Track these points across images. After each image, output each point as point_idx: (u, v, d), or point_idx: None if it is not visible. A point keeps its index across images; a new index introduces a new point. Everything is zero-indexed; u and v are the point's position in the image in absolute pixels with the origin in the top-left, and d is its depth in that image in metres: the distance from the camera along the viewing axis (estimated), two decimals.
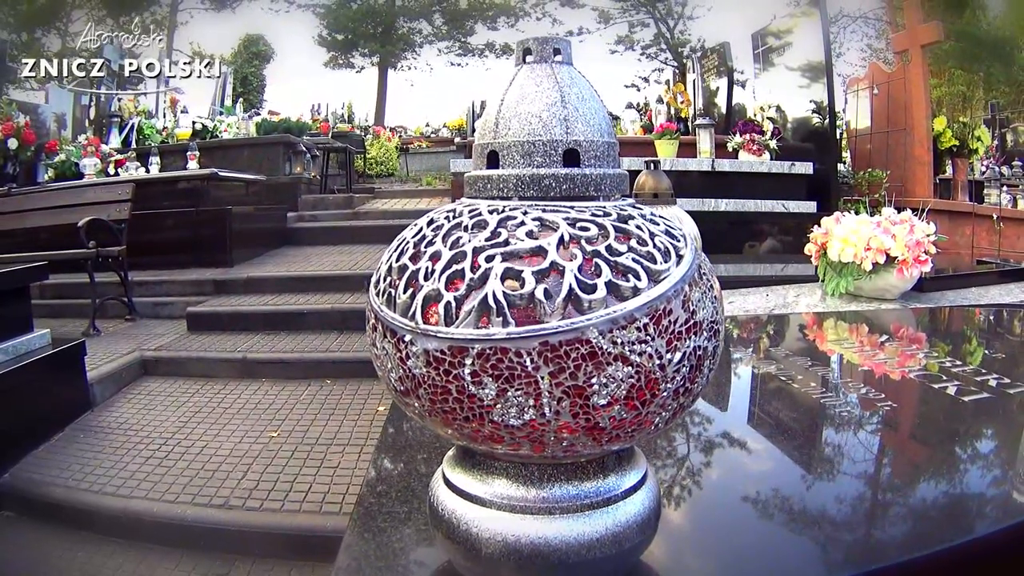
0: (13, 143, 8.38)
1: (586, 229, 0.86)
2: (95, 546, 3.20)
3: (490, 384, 0.81)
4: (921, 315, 3.38)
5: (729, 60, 9.96)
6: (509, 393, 0.81)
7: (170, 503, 3.34)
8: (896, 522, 1.20)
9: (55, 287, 6.18)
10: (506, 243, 0.84)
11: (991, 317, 3.28)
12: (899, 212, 3.88)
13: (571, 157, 0.94)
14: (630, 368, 0.82)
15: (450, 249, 0.86)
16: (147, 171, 8.57)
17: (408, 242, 0.93)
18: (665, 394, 0.86)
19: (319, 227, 9.05)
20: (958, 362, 2.12)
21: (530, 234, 0.84)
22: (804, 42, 8.41)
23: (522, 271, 0.81)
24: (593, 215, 0.89)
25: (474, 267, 0.83)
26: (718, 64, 10.24)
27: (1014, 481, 1.32)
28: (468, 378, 0.81)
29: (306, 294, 6.46)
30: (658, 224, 0.93)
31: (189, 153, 8.66)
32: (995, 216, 7.49)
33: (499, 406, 0.82)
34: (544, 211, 0.88)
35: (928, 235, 3.76)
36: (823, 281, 4.00)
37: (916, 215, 3.86)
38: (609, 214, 0.90)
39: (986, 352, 2.47)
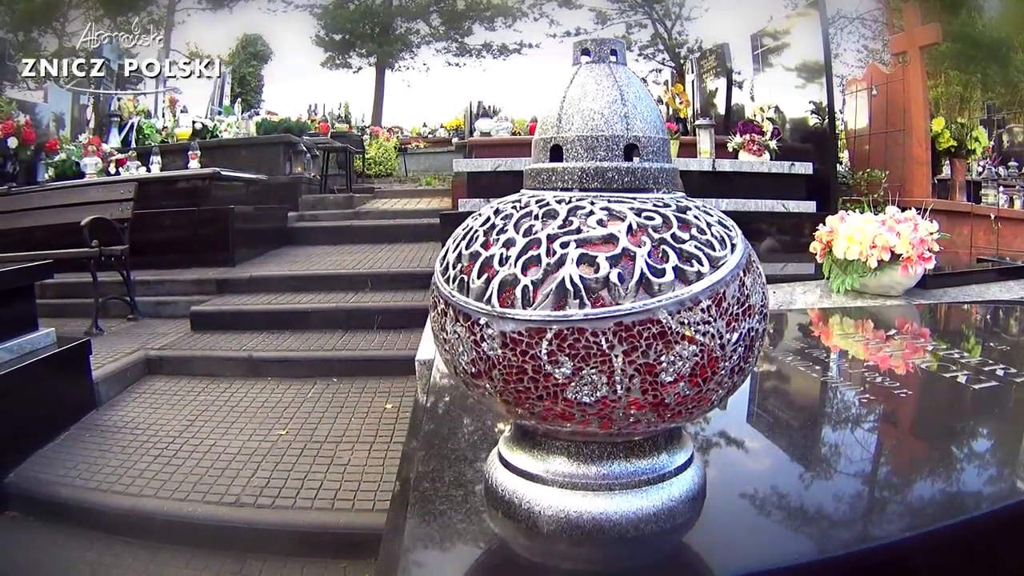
0: (13, 142, 8.36)
1: (651, 218, 0.90)
2: (104, 545, 3.19)
3: (566, 363, 0.85)
4: (925, 311, 3.42)
5: (728, 61, 10.00)
6: (584, 372, 0.85)
7: (180, 502, 3.33)
8: (898, 504, 1.24)
9: (57, 286, 6.15)
10: (578, 231, 0.88)
11: (993, 313, 3.32)
12: (903, 211, 3.92)
13: (629, 152, 0.99)
14: (695, 347, 0.86)
15: (524, 236, 0.90)
16: (148, 170, 8.56)
17: (477, 231, 0.97)
18: (723, 372, 0.91)
19: (320, 227, 9.06)
20: (964, 354, 2.16)
21: (600, 222, 0.89)
22: (802, 43, 8.43)
23: (596, 256, 0.85)
24: (655, 206, 0.93)
25: (550, 252, 0.87)
26: (716, 65, 10.27)
27: (1017, 468, 1.36)
28: (545, 358, 0.86)
29: (309, 293, 6.48)
30: (712, 215, 0.98)
31: (191, 152, 8.65)
32: (992, 216, 7.55)
33: (573, 384, 0.86)
34: (610, 201, 0.93)
35: (932, 233, 3.81)
36: (828, 278, 4.04)
37: (919, 214, 3.91)
38: (669, 205, 0.95)
39: (991, 344, 2.51)
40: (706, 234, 0.92)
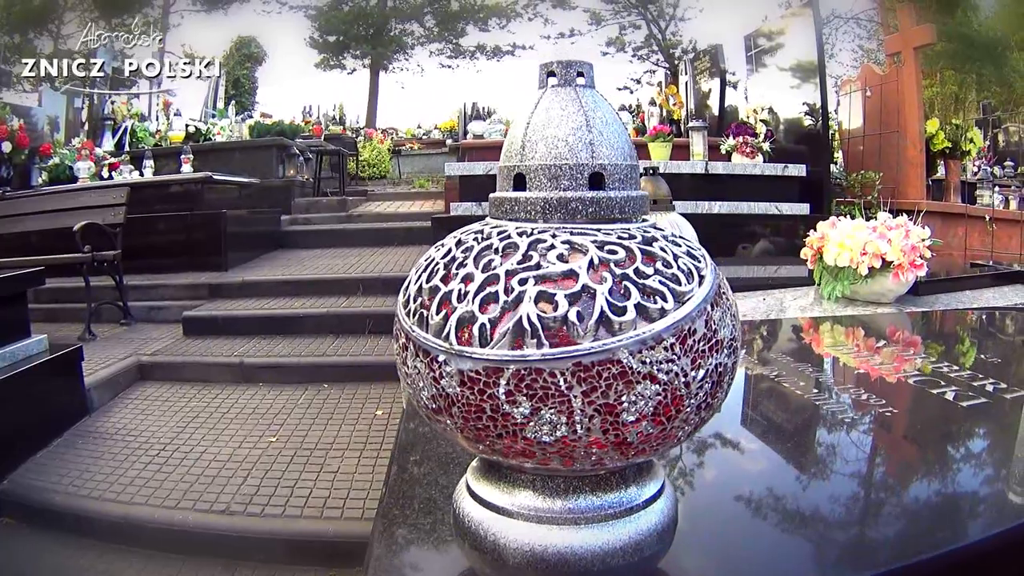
0: (7, 146, 8.35)
1: (614, 252, 0.88)
2: (97, 552, 3.21)
3: (524, 403, 0.83)
4: (916, 319, 3.41)
5: (721, 62, 10.00)
6: (543, 411, 0.84)
7: (171, 509, 3.34)
8: (890, 523, 1.23)
9: (49, 291, 6.16)
10: (538, 266, 0.86)
11: (985, 320, 3.31)
12: (895, 216, 3.91)
13: (596, 180, 0.97)
14: (657, 386, 0.85)
15: (482, 272, 0.88)
16: (141, 174, 8.55)
17: (438, 263, 0.95)
18: (689, 409, 0.89)
19: (313, 230, 9.06)
20: (955, 367, 2.14)
21: (561, 257, 0.87)
22: (796, 43, 8.44)
23: (555, 294, 0.83)
24: (619, 238, 0.91)
25: (507, 290, 0.85)
26: (710, 66, 10.28)
27: (1009, 485, 1.34)
28: (503, 397, 0.84)
29: (301, 297, 6.48)
30: (680, 246, 0.96)
31: (183, 156, 8.65)
32: (987, 217, 7.54)
33: (532, 424, 0.85)
34: (572, 234, 0.91)
35: (923, 239, 3.80)
36: (819, 285, 4.03)
37: (911, 219, 3.90)
38: (634, 236, 0.93)
39: (981, 356, 2.50)
40: (672, 267, 0.90)
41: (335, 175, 12.02)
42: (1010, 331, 3.05)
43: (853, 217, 4.04)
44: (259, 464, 3.75)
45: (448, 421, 0.92)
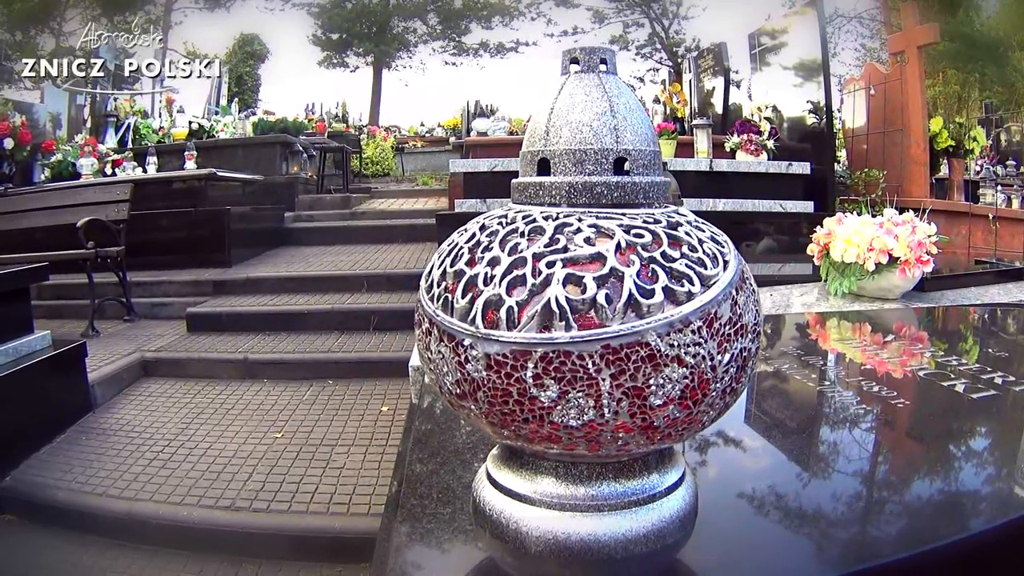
0: (9, 143, 8.33)
1: (641, 236, 0.88)
2: (100, 549, 3.19)
3: (552, 387, 0.83)
4: (923, 314, 3.40)
5: (725, 60, 9.98)
6: (570, 395, 0.83)
7: (175, 505, 3.33)
8: (895, 516, 1.22)
9: (53, 288, 6.14)
10: (565, 249, 0.86)
11: (991, 316, 3.31)
12: (900, 213, 3.90)
13: (619, 165, 0.97)
14: (685, 369, 0.84)
15: (509, 255, 0.88)
16: (144, 171, 8.53)
17: (462, 247, 0.95)
18: (715, 394, 0.89)
19: (316, 227, 9.04)
20: (963, 360, 2.14)
21: (588, 240, 0.87)
22: (800, 42, 8.43)
23: (583, 277, 0.83)
24: (645, 222, 0.91)
25: (535, 272, 0.85)
26: (714, 64, 10.25)
27: (1017, 478, 1.34)
28: (530, 381, 0.84)
29: (305, 294, 6.47)
30: (704, 231, 0.96)
31: (187, 153, 8.62)
32: (991, 216, 7.53)
33: (559, 408, 0.84)
34: (598, 218, 0.91)
35: (930, 236, 3.79)
36: (826, 281, 4.02)
37: (917, 216, 3.89)
38: (659, 221, 0.92)
39: (989, 350, 2.49)
40: (697, 251, 0.89)
41: (338, 172, 12.02)
42: (1015, 327, 3.04)
43: (859, 214, 4.03)
44: (264, 460, 3.74)
45: (473, 406, 0.92)
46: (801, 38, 8.41)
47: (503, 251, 0.89)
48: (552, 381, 0.83)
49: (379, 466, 3.63)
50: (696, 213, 1.04)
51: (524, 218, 0.94)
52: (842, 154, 9.57)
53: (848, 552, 1.10)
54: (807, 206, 7.23)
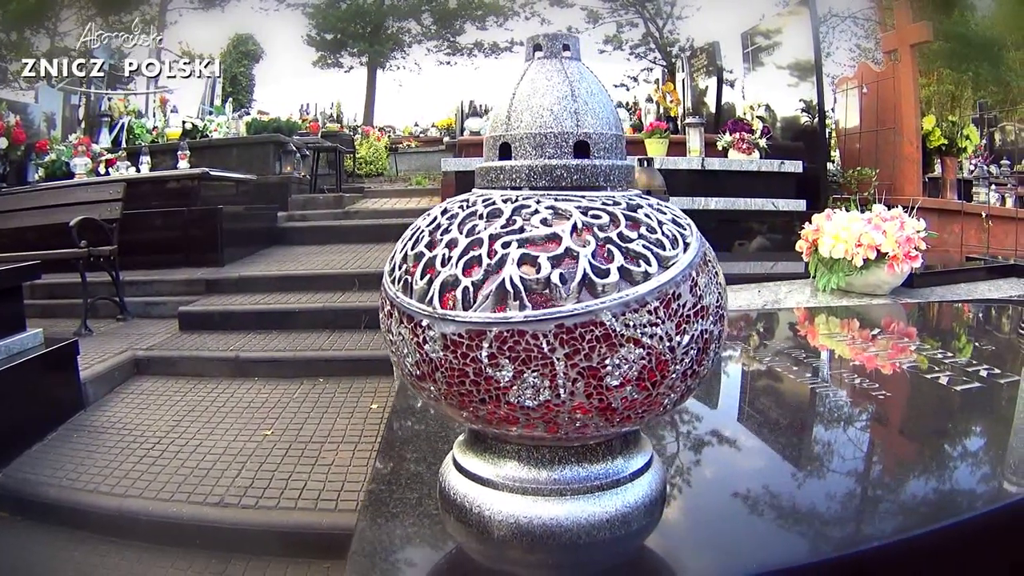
0: (3, 142, 8.34)
1: (598, 217, 0.88)
2: (90, 546, 3.18)
3: (507, 366, 0.84)
4: (911, 310, 3.41)
5: (718, 59, 9.99)
6: (525, 375, 0.84)
7: (165, 502, 3.32)
8: (884, 506, 1.22)
9: (46, 287, 6.14)
10: (521, 230, 0.87)
11: (980, 312, 3.31)
12: (889, 209, 3.91)
13: (581, 149, 0.97)
14: (641, 350, 0.85)
15: (466, 236, 0.89)
16: (138, 170, 8.52)
17: (423, 231, 0.96)
18: (674, 375, 0.89)
19: (309, 227, 9.02)
20: (949, 354, 2.15)
21: (544, 221, 0.87)
22: (793, 41, 8.44)
23: (538, 257, 0.83)
24: (604, 204, 0.92)
25: (491, 253, 0.85)
26: (707, 63, 10.27)
27: (1004, 469, 1.34)
28: (485, 360, 0.84)
29: (297, 293, 6.46)
30: (665, 213, 0.96)
31: (180, 152, 8.60)
32: (984, 214, 7.54)
33: (515, 387, 0.85)
34: (557, 200, 0.91)
35: (918, 231, 3.79)
36: (814, 277, 4.03)
37: (906, 212, 3.90)
38: (619, 203, 0.93)
39: (976, 345, 2.50)
40: (656, 233, 0.90)
41: (332, 172, 12.00)
42: (1004, 321, 3.04)
43: (848, 210, 4.04)
44: (254, 457, 3.73)
45: (432, 387, 0.92)
46: (794, 38, 8.41)
47: (461, 233, 0.90)
48: (507, 361, 0.83)
49: (367, 463, 3.62)
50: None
51: (484, 201, 0.94)
52: (835, 153, 9.58)
53: (842, 545, 1.10)
54: (799, 204, 7.22)
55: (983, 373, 1.88)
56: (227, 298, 6.54)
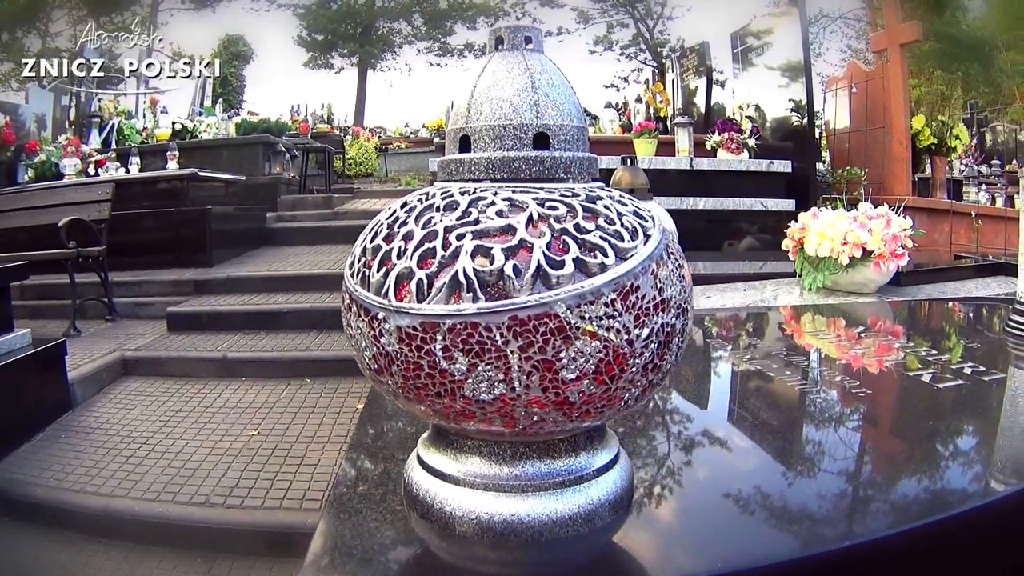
0: None
1: (555, 208, 0.88)
2: (77, 546, 3.18)
3: (461, 359, 0.83)
4: (898, 308, 3.41)
5: (708, 60, 10.00)
6: (479, 368, 0.83)
7: (151, 502, 3.31)
8: (877, 511, 1.21)
9: (35, 288, 6.13)
10: (476, 222, 0.86)
11: (967, 310, 3.31)
12: (876, 207, 3.92)
13: (541, 140, 0.97)
14: (598, 343, 0.84)
15: (422, 229, 0.88)
16: (127, 171, 8.51)
17: (382, 224, 0.95)
18: (634, 369, 0.88)
19: (298, 227, 9.00)
20: (934, 352, 2.15)
21: (500, 213, 0.86)
22: (783, 42, 8.45)
23: (492, 248, 0.83)
24: (562, 195, 0.91)
25: (445, 245, 0.85)
26: (697, 64, 10.27)
27: (991, 466, 1.34)
28: (439, 353, 0.83)
29: (285, 293, 6.45)
30: (627, 205, 0.95)
31: (169, 153, 8.59)
32: (973, 214, 7.55)
33: (470, 381, 0.84)
34: (514, 192, 0.90)
35: (904, 229, 3.79)
36: (800, 276, 4.03)
37: (893, 210, 3.90)
38: (578, 195, 0.92)
39: (962, 342, 2.50)
40: (615, 224, 0.89)
41: (321, 173, 11.98)
42: (991, 320, 3.04)
43: (835, 209, 4.04)
44: (240, 457, 3.73)
45: (390, 381, 0.91)
46: (784, 38, 8.43)
47: (417, 225, 0.89)
48: (461, 353, 0.83)
49: None
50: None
51: (442, 194, 0.94)
52: (825, 153, 9.60)
53: (797, 535, 1.10)
54: (789, 204, 7.22)
55: (968, 371, 1.88)
56: (215, 299, 6.53)
